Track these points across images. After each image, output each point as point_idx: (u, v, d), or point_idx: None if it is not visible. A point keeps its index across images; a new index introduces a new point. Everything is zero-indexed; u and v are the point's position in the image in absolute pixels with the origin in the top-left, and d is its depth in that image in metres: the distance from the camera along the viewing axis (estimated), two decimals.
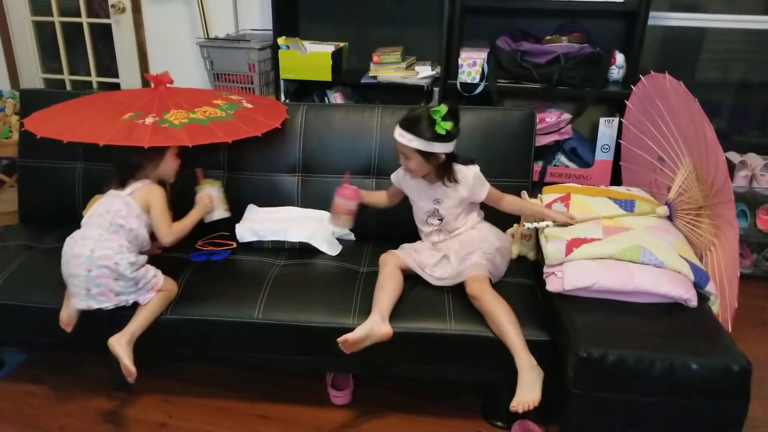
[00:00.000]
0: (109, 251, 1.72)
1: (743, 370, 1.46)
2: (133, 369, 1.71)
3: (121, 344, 1.71)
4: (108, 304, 1.75)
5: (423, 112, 1.77)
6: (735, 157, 2.77)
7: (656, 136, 2.08)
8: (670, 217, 1.94)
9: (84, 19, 3.49)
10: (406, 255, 1.91)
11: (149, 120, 1.86)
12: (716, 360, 1.48)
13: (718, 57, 3.03)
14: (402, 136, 1.78)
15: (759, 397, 1.92)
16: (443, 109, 1.74)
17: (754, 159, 2.78)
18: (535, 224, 1.91)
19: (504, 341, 1.70)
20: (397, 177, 2.00)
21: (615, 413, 1.56)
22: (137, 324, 1.76)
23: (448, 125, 1.74)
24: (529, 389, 1.62)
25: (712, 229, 1.83)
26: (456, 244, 1.92)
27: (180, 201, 2.01)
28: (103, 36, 3.53)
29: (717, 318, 1.69)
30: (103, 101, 2.08)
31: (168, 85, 2.08)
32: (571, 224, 1.90)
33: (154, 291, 1.79)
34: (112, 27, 3.41)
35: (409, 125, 1.77)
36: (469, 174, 1.88)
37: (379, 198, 2.08)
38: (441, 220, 1.94)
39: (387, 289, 1.79)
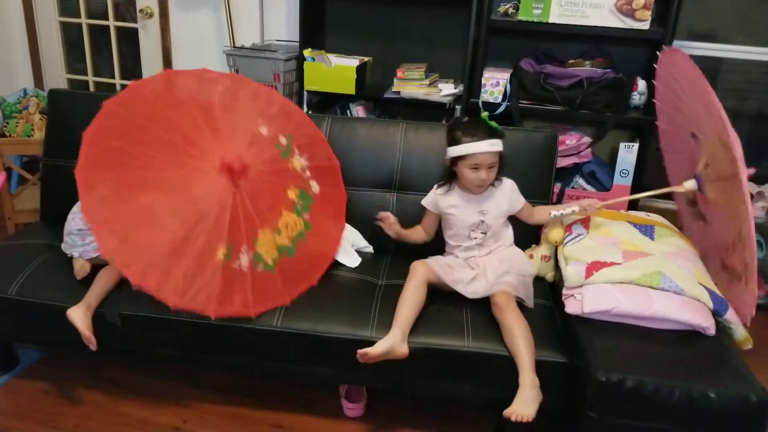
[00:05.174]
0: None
1: (761, 401, 1.47)
2: (92, 338, 1.81)
3: (77, 314, 1.80)
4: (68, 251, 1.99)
5: (480, 121, 1.91)
6: (752, 188, 2.77)
7: (684, 111, 2.06)
8: (699, 189, 1.92)
9: (111, 23, 3.53)
10: (441, 270, 1.89)
11: (244, 261, 1.81)
12: (734, 390, 1.49)
13: (735, 87, 3.05)
14: (494, 144, 1.87)
15: None
16: (485, 113, 1.92)
17: None
18: (561, 212, 1.96)
19: (514, 356, 1.70)
20: (433, 201, 2.02)
21: None
22: (93, 295, 1.85)
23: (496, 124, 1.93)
24: (525, 404, 1.61)
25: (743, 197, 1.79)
26: (494, 260, 1.95)
27: None
28: (129, 39, 3.58)
29: (735, 347, 1.69)
30: (178, 201, 1.80)
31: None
32: (594, 213, 1.95)
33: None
34: (139, 31, 3.46)
35: (492, 133, 1.88)
36: (507, 184, 2.00)
37: (417, 235, 2.09)
38: (485, 233, 1.97)
39: (411, 305, 1.79)
